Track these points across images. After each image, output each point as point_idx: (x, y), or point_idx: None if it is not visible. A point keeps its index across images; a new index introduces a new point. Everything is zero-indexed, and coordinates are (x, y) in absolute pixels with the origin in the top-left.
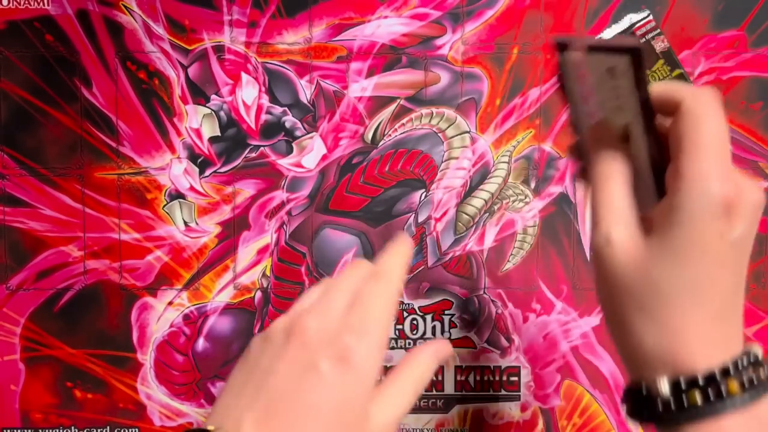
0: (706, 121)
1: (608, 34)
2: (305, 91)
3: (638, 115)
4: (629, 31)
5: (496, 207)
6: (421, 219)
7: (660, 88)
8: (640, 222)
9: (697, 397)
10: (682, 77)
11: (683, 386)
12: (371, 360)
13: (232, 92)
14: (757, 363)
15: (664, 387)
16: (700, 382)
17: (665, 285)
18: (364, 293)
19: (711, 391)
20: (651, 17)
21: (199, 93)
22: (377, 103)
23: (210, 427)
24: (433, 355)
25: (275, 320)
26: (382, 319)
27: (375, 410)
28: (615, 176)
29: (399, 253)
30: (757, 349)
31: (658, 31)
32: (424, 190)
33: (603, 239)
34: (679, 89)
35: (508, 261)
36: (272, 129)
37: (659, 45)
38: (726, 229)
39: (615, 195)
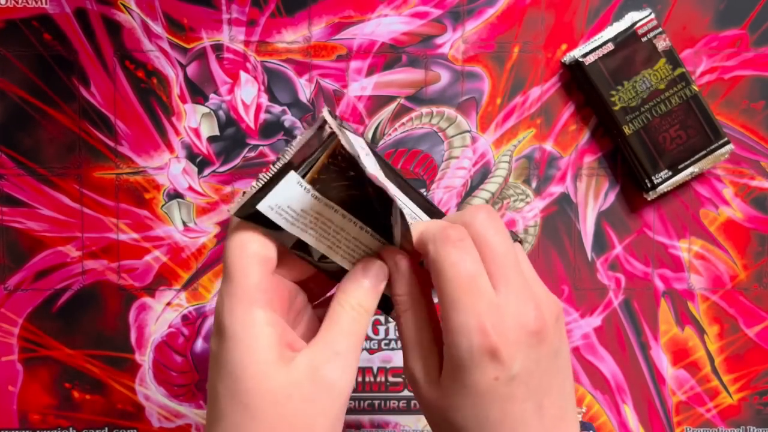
0: (445, 274)
1: (610, 32)
2: (305, 90)
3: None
4: (631, 29)
5: (496, 207)
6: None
7: (415, 236)
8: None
9: None
10: (684, 76)
11: None
12: (245, 326)
13: (231, 91)
14: None
15: None
16: None
17: (464, 425)
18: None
19: None
20: (653, 16)
21: (197, 92)
22: (377, 102)
23: None
24: (372, 278)
25: None
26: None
27: (304, 358)
28: (410, 309)
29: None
30: None
31: (660, 29)
32: (424, 189)
33: (408, 376)
34: (423, 236)
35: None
36: (271, 128)
37: (661, 44)
38: (499, 372)
39: (411, 328)
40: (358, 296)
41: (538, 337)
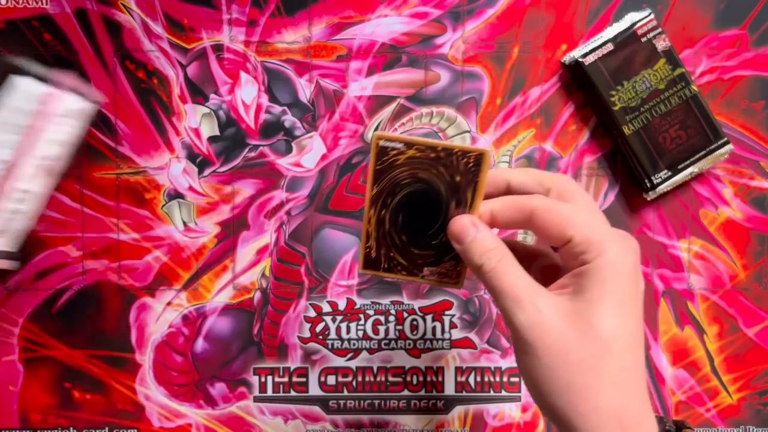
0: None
1: (609, 32)
2: (305, 90)
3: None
4: (630, 29)
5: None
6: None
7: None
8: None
9: None
10: (683, 76)
11: None
12: None
13: (231, 91)
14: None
15: None
16: None
17: (612, 341)
18: None
19: None
20: (652, 16)
21: (198, 92)
22: (377, 102)
23: None
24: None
25: None
26: None
27: None
28: (504, 256)
29: None
30: (667, 422)
31: (660, 30)
32: None
33: (528, 320)
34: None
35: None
36: (271, 128)
37: (660, 44)
38: (640, 282)
39: (514, 278)
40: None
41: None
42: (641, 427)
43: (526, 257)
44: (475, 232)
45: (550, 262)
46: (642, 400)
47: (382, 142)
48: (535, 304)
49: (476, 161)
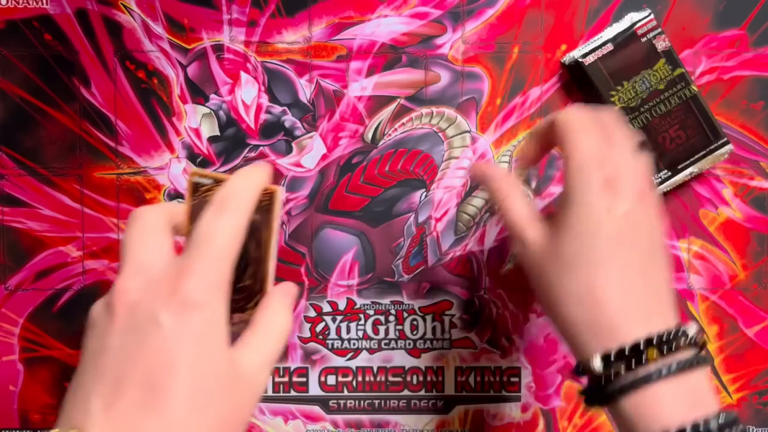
0: (572, 123)
1: (609, 33)
2: (305, 90)
3: None
4: (630, 30)
5: (496, 207)
6: (421, 219)
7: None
8: (545, 220)
9: (622, 367)
10: (683, 77)
11: (612, 359)
12: (214, 295)
13: (232, 92)
14: (685, 337)
15: (596, 363)
16: (626, 352)
17: (574, 260)
18: (203, 230)
19: (634, 360)
20: (652, 16)
21: (198, 92)
22: (377, 102)
23: (55, 430)
24: (284, 295)
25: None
26: (223, 252)
27: (240, 353)
28: (511, 194)
29: (249, 176)
30: (691, 328)
31: (660, 30)
32: (424, 189)
33: (520, 244)
34: (548, 118)
35: (509, 261)
36: (272, 128)
37: (660, 44)
38: (612, 204)
39: (516, 206)
40: (288, 304)
41: (644, 198)
42: (615, 332)
43: None
44: (493, 173)
45: None
46: (622, 316)
47: (195, 179)
48: (522, 238)
49: (269, 199)
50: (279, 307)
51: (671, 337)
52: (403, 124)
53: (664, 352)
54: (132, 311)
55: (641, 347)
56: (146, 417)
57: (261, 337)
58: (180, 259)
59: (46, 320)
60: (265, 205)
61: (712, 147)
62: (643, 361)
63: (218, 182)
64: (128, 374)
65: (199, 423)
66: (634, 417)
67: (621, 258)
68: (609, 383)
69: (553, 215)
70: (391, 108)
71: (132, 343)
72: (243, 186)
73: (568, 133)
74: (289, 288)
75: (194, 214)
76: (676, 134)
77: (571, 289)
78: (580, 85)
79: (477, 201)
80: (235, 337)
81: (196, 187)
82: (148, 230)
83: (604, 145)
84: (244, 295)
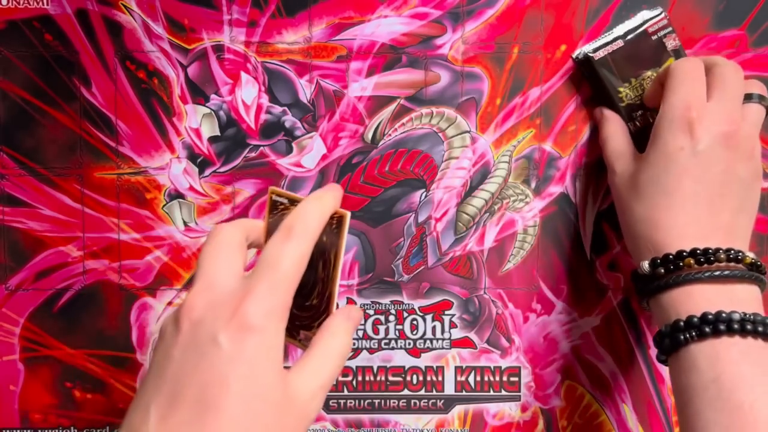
0: (679, 67)
1: (620, 29)
2: (305, 90)
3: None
4: (641, 27)
5: (496, 207)
6: (421, 219)
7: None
8: (634, 155)
9: (662, 270)
10: None
11: (657, 262)
12: (272, 319)
13: (232, 92)
14: (728, 254)
15: (644, 265)
16: (668, 259)
17: (646, 188)
18: (268, 255)
19: (673, 266)
20: (664, 15)
21: (198, 92)
22: (377, 102)
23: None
24: (346, 318)
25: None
26: (285, 278)
27: (295, 377)
28: (612, 133)
29: (319, 202)
30: (746, 253)
31: (671, 29)
32: (424, 190)
33: (610, 171)
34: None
35: (509, 261)
36: (272, 129)
37: (670, 43)
38: (687, 143)
39: (613, 144)
40: (349, 328)
41: (728, 141)
42: (665, 246)
43: None
44: (600, 116)
45: None
46: (675, 233)
47: (273, 197)
48: (612, 168)
49: (338, 222)
50: (338, 330)
51: (711, 252)
52: (403, 124)
53: (701, 262)
54: (195, 328)
55: (682, 256)
56: None
57: (317, 360)
58: (245, 281)
59: (47, 320)
60: (335, 229)
61: None
62: (681, 267)
63: (293, 202)
64: (184, 390)
65: None
66: (668, 307)
67: (684, 190)
68: (651, 281)
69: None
70: (391, 108)
71: (191, 360)
72: (312, 212)
73: (671, 79)
74: (353, 312)
75: (270, 232)
76: None
77: (639, 212)
78: (589, 80)
79: (477, 201)
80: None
81: (274, 205)
82: (223, 248)
83: (699, 92)
84: (311, 313)
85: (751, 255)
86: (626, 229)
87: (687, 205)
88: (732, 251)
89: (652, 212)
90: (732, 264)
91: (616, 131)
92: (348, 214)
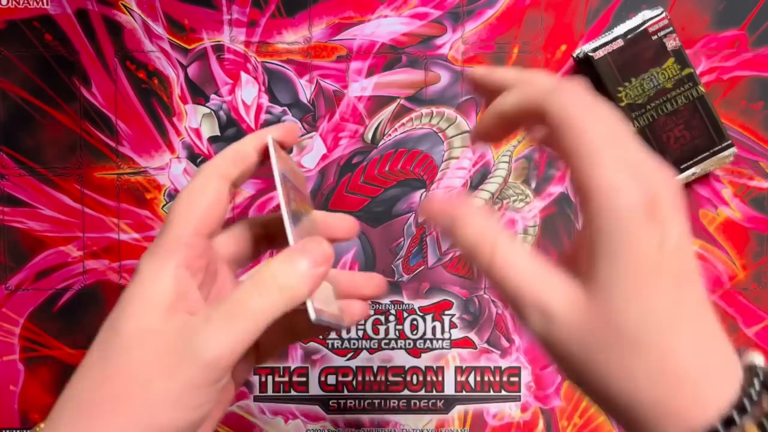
0: (579, 125)
1: (621, 29)
2: (305, 90)
3: None
4: (641, 27)
5: (496, 207)
6: (421, 219)
7: (510, 100)
8: (565, 276)
9: None
10: (692, 77)
11: None
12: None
13: (232, 92)
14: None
15: None
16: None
17: (636, 332)
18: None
19: None
20: (664, 14)
21: (198, 92)
22: (377, 102)
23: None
24: (287, 261)
25: None
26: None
27: (197, 325)
28: (503, 245)
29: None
30: (759, 360)
31: (671, 29)
32: (424, 190)
33: (539, 318)
34: (529, 96)
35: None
36: None
37: (671, 43)
38: (660, 236)
39: (518, 263)
40: (286, 278)
41: (681, 205)
42: (700, 408)
43: None
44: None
45: None
46: (701, 378)
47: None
48: (542, 309)
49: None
50: (265, 280)
51: (758, 390)
52: (403, 124)
53: (764, 425)
54: None
55: (736, 420)
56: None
57: (230, 304)
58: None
59: (47, 320)
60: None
61: (716, 149)
62: None
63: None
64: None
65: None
66: None
67: (689, 311)
68: None
69: (574, 262)
70: (391, 108)
71: None
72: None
73: (579, 137)
74: (310, 246)
75: (288, 183)
76: (681, 134)
77: (639, 367)
78: (589, 80)
79: (477, 201)
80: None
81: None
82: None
83: (626, 150)
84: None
85: (760, 360)
86: (615, 397)
87: (699, 332)
88: (764, 373)
89: (664, 363)
90: None
91: (506, 242)
92: (269, 138)
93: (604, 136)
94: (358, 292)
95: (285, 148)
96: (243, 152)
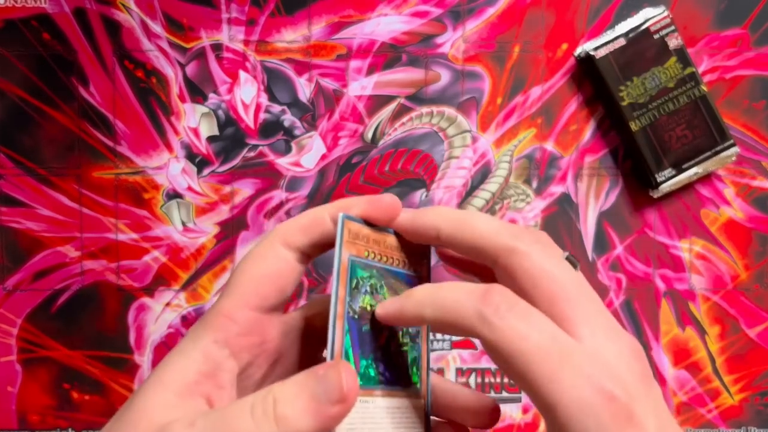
0: (519, 351)
1: (622, 27)
2: (304, 89)
3: None
4: (643, 26)
5: (497, 207)
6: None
7: (435, 310)
8: None
9: None
10: (693, 76)
11: None
12: None
13: (231, 91)
14: None
15: None
16: None
17: None
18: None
19: None
20: (667, 13)
21: (197, 92)
22: (377, 101)
23: None
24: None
25: None
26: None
27: None
28: None
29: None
30: None
31: (673, 27)
32: (424, 189)
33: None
34: (457, 310)
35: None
36: (271, 128)
37: (672, 42)
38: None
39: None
40: (286, 408)
41: (647, 381)
42: None
43: None
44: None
45: None
46: None
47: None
48: None
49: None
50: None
51: None
52: (403, 123)
53: None
54: None
55: None
56: None
57: (208, 429)
58: None
59: (45, 321)
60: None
61: (718, 148)
62: None
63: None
64: None
65: None
66: None
67: None
68: None
69: None
70: (391, 107)
71: None
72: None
73: (501, 345)
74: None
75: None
76: (683, 133)
77: None
78: (591, 78)
79: (478, 201)
80: None
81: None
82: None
83: (561, 337)
84: None
85: None
86: None
87: None
88: None
89: None
90: None
91: None
92: (340, 217)
93: (545, 352)
94: (458, 415)
95: (375, 225)
96: (317, 219)
